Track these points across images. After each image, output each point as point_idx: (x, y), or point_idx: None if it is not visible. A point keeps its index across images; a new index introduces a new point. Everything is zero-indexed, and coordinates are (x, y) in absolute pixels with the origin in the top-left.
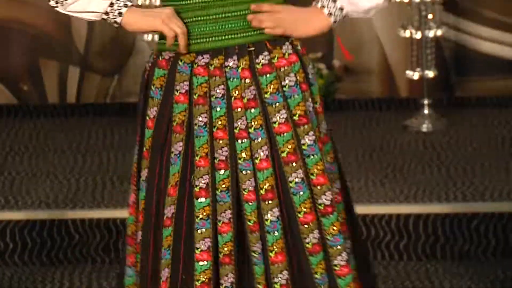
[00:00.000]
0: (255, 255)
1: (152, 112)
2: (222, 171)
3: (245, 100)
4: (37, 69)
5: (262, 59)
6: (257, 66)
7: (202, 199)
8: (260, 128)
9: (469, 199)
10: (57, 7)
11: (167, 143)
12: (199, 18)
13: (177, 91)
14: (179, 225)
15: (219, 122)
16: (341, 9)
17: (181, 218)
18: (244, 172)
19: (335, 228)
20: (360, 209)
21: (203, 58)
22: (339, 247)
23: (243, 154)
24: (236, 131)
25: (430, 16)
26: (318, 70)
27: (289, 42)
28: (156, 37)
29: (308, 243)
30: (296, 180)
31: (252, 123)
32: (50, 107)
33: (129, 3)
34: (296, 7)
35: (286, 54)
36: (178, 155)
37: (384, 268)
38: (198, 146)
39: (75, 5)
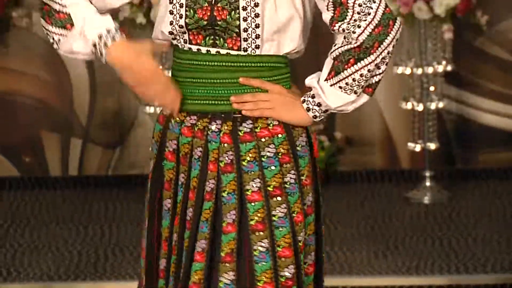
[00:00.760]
0: None
1: (151, 164)
2: (187, 232)
3: (222, 164)
4: (39, 141)
5: (245, 126)
6: (239, 133)
7: (173, 257)
8: (233, 193)
9: (471, 271)
10: (58, 48)
11: (162, 197)
12: (192, 80)
13: (167, 149)
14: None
15: (192, 183)
16: (319, 105)
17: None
18: (205, 232)
19: None
20: (362, 281)
21: (191, 119)
22: None
23: (207, 216)
24: (204, 192)
25: (432, 88)
26: (320, 142)
27: None
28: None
29: None
30: (260, 249)
31: (226, 188)
32: (52, 179)
33: (113, 38)
34: (282, 96)
35: (271, 125)
36: (167, 211)
37: None
38: (177, 203)
39: (64, 44)
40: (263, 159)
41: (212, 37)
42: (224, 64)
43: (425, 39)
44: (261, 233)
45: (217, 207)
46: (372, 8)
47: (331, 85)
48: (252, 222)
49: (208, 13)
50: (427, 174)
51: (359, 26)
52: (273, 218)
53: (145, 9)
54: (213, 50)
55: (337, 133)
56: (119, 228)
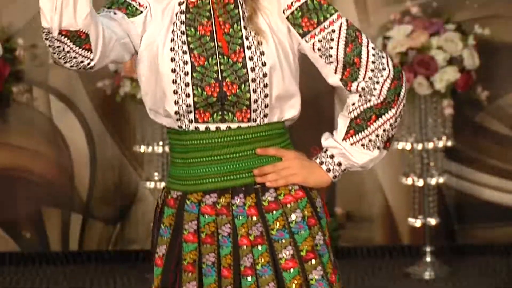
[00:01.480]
0: None
1: (161, 250)
2: None
3: (251, 238)
4: (40, 216)
5: (269, 196)
6: (264, 203)
7: None
8: (267, 265)
9: None
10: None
11: (177, 282)
12: (205, 159)
13: (186, 231)
14: None
15: (225, 261)
16: (339, 164)
17: None
18: None
19: None
20: None
21: (211, 197)
22: None
23: None
24: (241, 268)
25: (432, 163)
26: None
27: None
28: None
29: None
30: None
31: (259, 260)
32: (53, 255)
33: None
34: (299, 160)
35: (292, 190)
36: None
37: None
38: (206, 285)
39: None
40: (291, 225)
41: (220, 112)
42: (237, 138)
43: (425, 114)
44: None
45: (258, 282)
46: (384, 63)
47: (351, 144)
48: None
49: (218, 90)
50: (428, 249)
51: (377, 82)
52: (311, 282)
53: None
54: (223, 126)
55: (338, 208)
56: None
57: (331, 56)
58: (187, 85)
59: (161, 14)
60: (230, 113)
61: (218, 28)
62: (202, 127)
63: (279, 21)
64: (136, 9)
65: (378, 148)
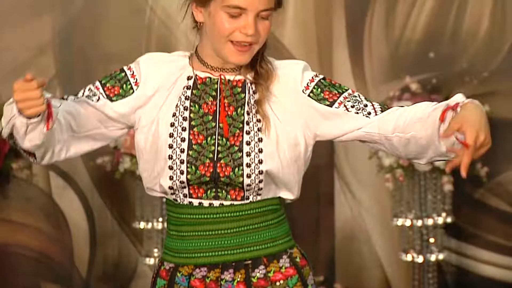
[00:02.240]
0: None
1: None
2: None
3: None
4: None
5: (258, 272)
6: (253, 279)
7: None
8: None
9: None
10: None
11: None
12: (197, 233)
13: None
14: None
15: None
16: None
17: None
18: None
19: None
20: None
21: (201, 271)
22: None
23: None
24: None
25: (432, 240)
26: None
27: (287, 255)
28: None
29: None
30: None
31: None
32: None
33: None
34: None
35: (283, 267)
36: None
37: None
38: None
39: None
40: None
41: (214, 190)
42: (229, 215)
43: (425, 190)
44: None
45: None
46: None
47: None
48: None
49: (211, 170)
50: None
51: None
52: None
53: None
54: (216, 203)
55: (337, 284)
56: None
57: (366, 106)
58: (182, 162)
59: (168, 88)
60: (223, 191)
61: (222, 109)
62: (195, 202)
63: (295, 104)
64: (131, 87)
65: None
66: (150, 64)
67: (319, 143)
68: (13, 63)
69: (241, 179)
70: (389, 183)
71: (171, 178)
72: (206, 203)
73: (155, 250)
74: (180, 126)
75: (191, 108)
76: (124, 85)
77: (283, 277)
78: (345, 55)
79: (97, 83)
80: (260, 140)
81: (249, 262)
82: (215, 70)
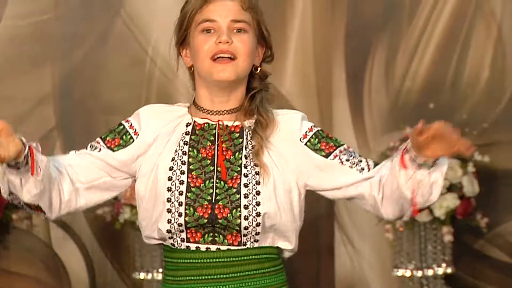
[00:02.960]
0: None
1: None
2: None
3: None
4: None
5: None
6: None
7: None
8: None
9: None
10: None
11: None
12: (194, 278)
13: None
14: None
15: None
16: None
17: None
18: None
19: None
20: None
21: None
22: None
23: None
24: None
25: None
26: None
27: None
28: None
29: None
30: None
31: None
32: None
33: None
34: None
35: None
36: None
37: None
38: None
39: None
40: None
41: (211, 234)
42: (226, 260)
43: (425, 241)
44: None
45: None
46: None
47: None
48: None
49: (209, 211)
50: None
51: None
52: None
53: None
54: (213, 247)
55: None
56: None
57: (360, 161)
58: (180, 204)
59: (167, 135)
60: (221, 236)
61: (220, 154)
62: (193, 246)
63: (291, 152)
64: (130, 137)
65: None
66: (150, 113)
67: (320, 194)
68: (13, 114)
69: (238, 221)
70: (389, 233)
71: (169, 221)
72: (203, 247)
73: None
74: (179, 169)
75: (189, 153)
76: (124, 136)
77: None
78: (345, 105)
79: (98, 139)
80: (258, 183)
81: None
82: (212, 114)
